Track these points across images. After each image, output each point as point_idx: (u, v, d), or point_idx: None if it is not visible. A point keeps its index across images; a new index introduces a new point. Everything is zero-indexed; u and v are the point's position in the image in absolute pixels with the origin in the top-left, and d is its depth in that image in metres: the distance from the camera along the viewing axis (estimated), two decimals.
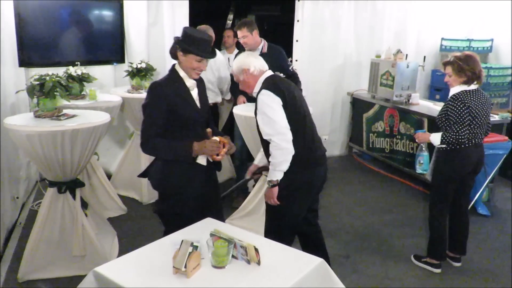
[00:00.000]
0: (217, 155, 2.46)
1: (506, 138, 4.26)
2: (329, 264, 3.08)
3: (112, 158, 4.88)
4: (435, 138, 3.12)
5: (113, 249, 3.42)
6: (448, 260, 3.41)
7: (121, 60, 4.76)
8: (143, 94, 4.28)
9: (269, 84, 2.59)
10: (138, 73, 4.35)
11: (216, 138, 2.47)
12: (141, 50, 4.84)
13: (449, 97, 3.16)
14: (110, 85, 4.71)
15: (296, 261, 1.98)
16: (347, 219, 4.20)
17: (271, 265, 1.92)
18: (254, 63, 2.65)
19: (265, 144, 2.62)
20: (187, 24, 4.97)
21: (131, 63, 4.41)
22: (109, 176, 4.41)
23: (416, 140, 3.29)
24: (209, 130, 2.61)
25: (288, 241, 2.51)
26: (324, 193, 3.69)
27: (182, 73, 2.46)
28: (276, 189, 2.56)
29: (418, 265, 3.38)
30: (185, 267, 1.77)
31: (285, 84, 2.64)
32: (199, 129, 2.51)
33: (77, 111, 3.18)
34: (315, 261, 1.97)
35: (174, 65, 2.50)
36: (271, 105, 2.52)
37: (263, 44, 4.12)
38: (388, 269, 3.34)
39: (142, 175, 2.67)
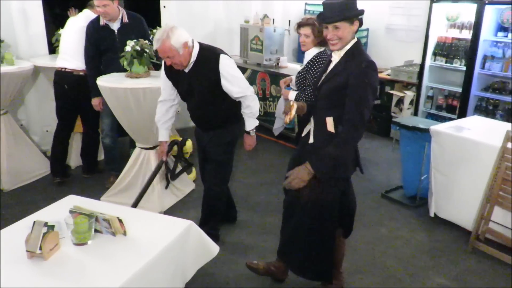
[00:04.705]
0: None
1: None
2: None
3: None
4: (292, 96, 3.30)
5: None
6: None
7: None
8: None
9: (216, 49, 2.84)
10: None
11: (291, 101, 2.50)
12: None
13: (309, 59, 3.28)
14: None
15: (164, 227, 1.97)
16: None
17: (138, 235, 1.89)
18: (188, 35, 2.74)
19: (216, 110, 2.85)
20: None
21: None
22: None
23: (283, 97, 3.49)
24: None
25: None
26: None
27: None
28: None
29: None
30: (41, 249, 1.66)
31: None
32: None
33: None
34: (183, 225, 1.98)
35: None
36: (234, 66, 2.78)
37: (122, 13, 3.72)
38: (265, 223, 3.53)
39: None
